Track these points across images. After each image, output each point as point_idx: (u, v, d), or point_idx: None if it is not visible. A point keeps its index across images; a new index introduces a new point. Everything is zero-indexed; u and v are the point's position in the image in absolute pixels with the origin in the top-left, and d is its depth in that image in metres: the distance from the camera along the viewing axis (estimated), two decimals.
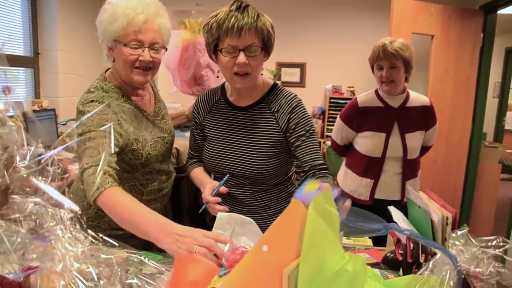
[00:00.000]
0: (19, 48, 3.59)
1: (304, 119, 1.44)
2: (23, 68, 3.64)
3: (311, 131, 1.44)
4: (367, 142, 2.19)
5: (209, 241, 0.97)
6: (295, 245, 0.70)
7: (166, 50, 1.44)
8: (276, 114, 1.45)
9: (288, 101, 1.46)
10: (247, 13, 1.29)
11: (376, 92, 2.23)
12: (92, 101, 1.33)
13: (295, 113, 1.43)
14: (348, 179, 2.30)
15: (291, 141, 1.44)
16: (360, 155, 2.23)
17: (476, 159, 3.88)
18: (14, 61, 3.47)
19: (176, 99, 3.12)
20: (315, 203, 0.74)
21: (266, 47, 1.38)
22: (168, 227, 1.03)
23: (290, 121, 1.43)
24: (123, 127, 1.36)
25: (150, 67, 1.39)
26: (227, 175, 1.44)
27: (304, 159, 1.42)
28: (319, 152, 1.44)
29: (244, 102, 1.50)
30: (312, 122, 1.47)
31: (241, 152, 1.47)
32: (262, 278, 0.66)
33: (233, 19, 1.28)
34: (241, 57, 1.31)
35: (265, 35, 1.33)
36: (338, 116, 2.32)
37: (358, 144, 2.25)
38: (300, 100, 1.49)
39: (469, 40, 3.73)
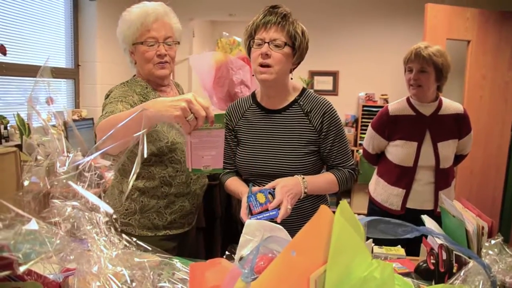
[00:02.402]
0: (61, 61, 3.77)
1: (336, 123, 1.56)
2: (64, 80, 3.81)
3: (342, 134, 1.57)
4: (398, 151, 2.16)
5: (205, 103, 1.10)
6: (323, 250, 0.71)
7: (179, 44, 1.64)
8: (309, 115, 1.55)
9: (320, 103, 1.56)
10: (275, 12, 1.45)
11: (408, 100, 2.20)
12: (117, 88, 1.58)
13: (327, 116, 1.54)
14: (380, 188, 2.27)
15: (324, 144, 1.55)
16: (391, 164, 2.20)
17: None
18: (57, 73, 3.66)
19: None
20: (341, 208, 0.75)
21: (295, 47, 1.47)
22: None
23: (324, 123, 1.54)
24: None
25: (167, 61, 1.57)
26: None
27: (336, 163, 1.57)
28: (350, 155, 1.61)
29: (276, 105, 1.58)
30: (342, 125, 1.60)
31: (276, 151, 1.54)
32: (290, 283, 0.67)
33: (262, 15, 1.47)
34: (264, 48, 1.45)
35: (292, 35, 1.45)
36: (369, 125, 2.31)
37: (390, 153, 2.22)
38: (331, 103, 1.59)
39: (508, 44, 3.61)
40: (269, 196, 1.37)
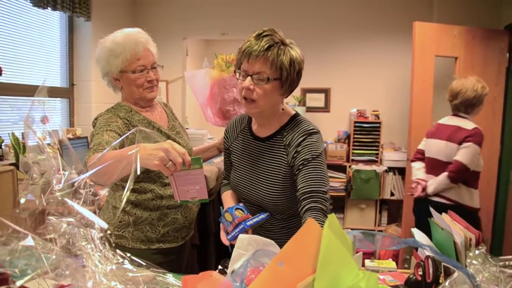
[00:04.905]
0: (56, 80, 3.81)
1: (306, 148, 1.38)
2: (59, 99, 3.84)
3: (310, 159, 1.35)
4: (481, 161, 2.67)
5: (181, 150, 1.18)
6: (310, 261, 0.73)
7: (162, 68, 1.75)
8: (288, 148, 1.43)
9: (299, 134, 1.41)
10: (261, 41, 1.32)
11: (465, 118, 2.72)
12: (102, 115, 1.62)
13: (300, 146, 1.39)
14: (475, 196, 2.68)
15: (295, 169, 1.39)
16: (478, 174, 2.67)
17: (506, 182, 3.77)
18: (52, 92, 3.68)
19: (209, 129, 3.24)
20: (330, 222, 0.78)
21: (282, 80, 1.35)
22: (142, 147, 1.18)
23: (295, 154, 1.39)
24: (130, 128, 1.57)
25: (156, 84, 1.70)
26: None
27: (298, 187, 1.34)
28: (315, 179, 1.33)
29: (263, 132, 1.51)
30: (316, 150, 1.38)
31: (256, 183, 1.48)
32: None
33: (247, 44, 1.34)
34: (246, 82, 1.35)
35: (277, 67, 1.32)
36: (477, 147, 2.58)
37: (478, 165, 2.65)
38: (313, 131, 1.42)
39: (495, 61, 3.70)
40: (236, 212, 1.42)
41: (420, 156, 2.95)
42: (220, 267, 1.19)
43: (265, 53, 1.31)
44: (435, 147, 2.76)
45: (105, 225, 0.81)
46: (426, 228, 1.41)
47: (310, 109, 4.55)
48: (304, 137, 1.40)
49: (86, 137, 3.60)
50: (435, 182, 2.65)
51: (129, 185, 0.86)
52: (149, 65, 1.65)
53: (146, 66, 1.64)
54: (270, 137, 1.48)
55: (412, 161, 3.02)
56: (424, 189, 2.71)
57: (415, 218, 2.90)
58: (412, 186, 2.81)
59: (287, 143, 1.43)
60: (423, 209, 2.54)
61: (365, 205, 4.35)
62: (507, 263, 0.92)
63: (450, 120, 2.75)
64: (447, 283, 0.91)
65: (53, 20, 3.70)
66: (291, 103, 4.35)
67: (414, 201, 2.85)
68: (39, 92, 1.00)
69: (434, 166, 2.75)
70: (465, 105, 2.68)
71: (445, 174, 2.60)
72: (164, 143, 1.19)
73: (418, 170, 2.90)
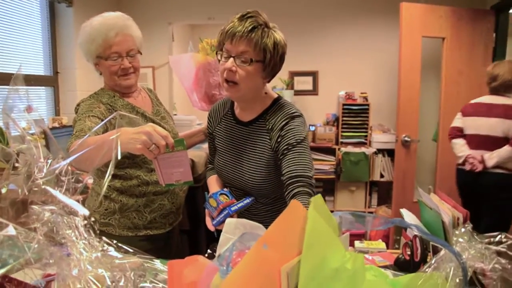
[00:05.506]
0: (40, 69, 3.73)
1: (290, 133, 1.37)
2: (43, 87, 3.78)
3: (294, 143, 1.34)
4: None
5: (163, 133, 1.19)
6: (295, 243, 0.73)
7: (141, 54, 1.66)
8: (271, 133, 1.42)
9: (282, 118, 1.41)
10: (245, 22, 1.30)
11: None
12: (84, 101, 1.61)
13: (284, 130, 1.38)
14: None
15: (279, 154, 1.38)
16: None
17: None
18: (35, 80, 3.60)
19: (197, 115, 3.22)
20: (315, 203, 0.77)
21: (265, 63, 1.34)
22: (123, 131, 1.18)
23: (279, 139, 1.39)
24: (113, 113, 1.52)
25: (132, 72, 1.63)
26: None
27: (283, 172, 1.33)
28: (300, 164, 1.32)
29: (246, 116, 1.50)
30: (300, 134, 1.37)
31: (240, 168, 1.48)
32: (262, 275, 0.69)
33: (230, 24, 1.32)
34: (228, 63, 1.32)
35: (260, 49, 1.31)
36: None
37: None
38: (295, 114, 1.42)
39: (481, 41, 3.71)
40: (220, 197, 1.42)
41: (459, 133, 3.14)
42: (209, 251, 1.19)
43: (249, 34, 1.29)
44: (486, 125, 2.98)
45: (86, 212, 0.80)
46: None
47: (298, 92, 4.52)
48: (287, 121, 1.40)
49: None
50: (496, 156, 2.88)
51: (110, 170, 0.85)
52: (124, 52, 1.58)
53: (120, 53, 1.57)
54: (253, 121, 1.47)
55: (453, 138, 3.18)
56: (480, 162, 2.94)
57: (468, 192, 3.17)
58: (470, 162, 2.99)
59: (270, 127, 1.43)
60: (484, 180, 2.93)
61: (355, 187, 4.38)
62: (492, 239, 0.94)
63: (493, 99, 3.01)
64: (433, 261, 0.91)
65: (33, 6, 3.61)
66: (279, 87, 4.32)
67: (461, 176, 3.15)
68: (14, 80, 0.97)
69: (485, 142, 2.97)
70: (504, 86, 2.98)
71: (508, 148, 2.83)
72: (146, 126, 1.17)
73: (463, 146, 3.10)
